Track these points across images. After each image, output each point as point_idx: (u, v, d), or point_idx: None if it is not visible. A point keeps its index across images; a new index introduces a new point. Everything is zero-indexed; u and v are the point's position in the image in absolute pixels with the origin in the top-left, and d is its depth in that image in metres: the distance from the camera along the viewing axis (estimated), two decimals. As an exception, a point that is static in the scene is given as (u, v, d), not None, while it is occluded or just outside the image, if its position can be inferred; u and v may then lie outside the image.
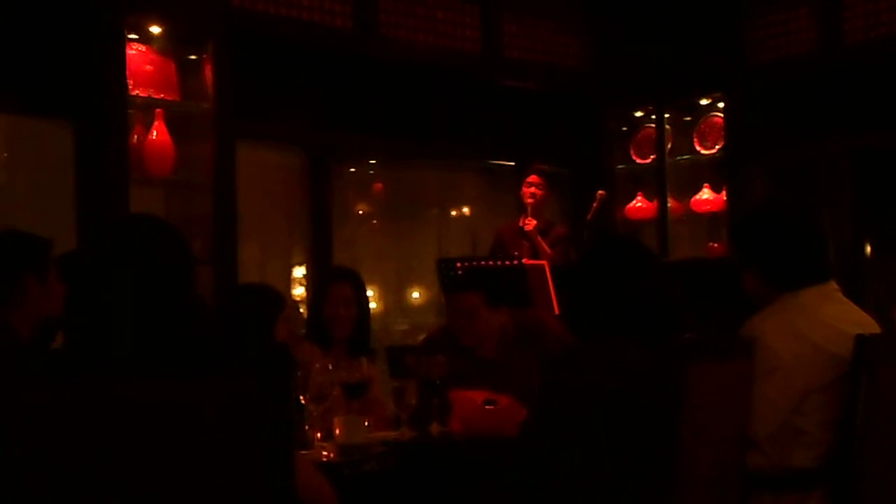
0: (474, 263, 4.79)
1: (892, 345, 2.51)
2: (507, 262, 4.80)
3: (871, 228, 5.84)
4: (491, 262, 4.89)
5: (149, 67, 4.52)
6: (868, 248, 5.86)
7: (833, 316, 2.39)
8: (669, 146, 6.28)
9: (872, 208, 5.81)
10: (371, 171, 6.11)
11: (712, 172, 6.14)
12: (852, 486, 2.28)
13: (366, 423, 2.81)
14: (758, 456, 2.30)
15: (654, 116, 6.33)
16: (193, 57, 4.64)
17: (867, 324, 2.43)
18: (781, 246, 2.43)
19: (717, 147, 6.12)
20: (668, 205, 6.24)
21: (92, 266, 1.78)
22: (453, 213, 6.46)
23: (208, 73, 4.60)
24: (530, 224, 5.37)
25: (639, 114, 6.44)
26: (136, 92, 4.43)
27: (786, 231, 2.44)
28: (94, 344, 1.75)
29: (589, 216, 5.34)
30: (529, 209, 5.41)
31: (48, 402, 1.49)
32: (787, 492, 2.31)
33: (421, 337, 4.90)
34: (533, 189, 5.43)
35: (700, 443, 2.12)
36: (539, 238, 5.35)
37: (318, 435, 2.76)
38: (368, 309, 3.64)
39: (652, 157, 6.33)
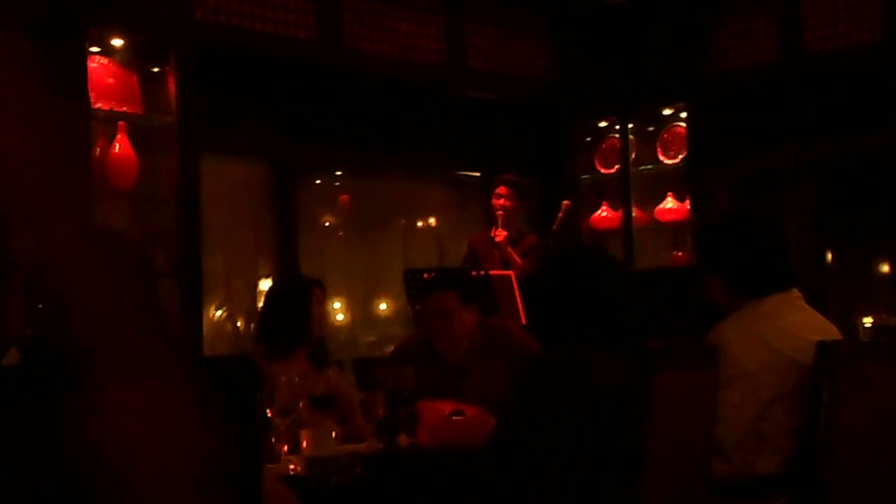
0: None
1: (853, 351, 2.54)
2: (474, 273, 4.81)
3: (832, 236, 5.92)
4: (457, 271, 4.91)
5: (111, 80, 4.49)
6: (829, 256, 5.93)
7: (796, 323, 2.42)
8: (633, 156, 6.33)
9: (833, 216, 5.88)
10: (337, 183, 6.10)
11: (676, 182, 6.19)
12: (816, 492, 2.31)
13: (333, 436, 2.80)
14: (723, 463, 2.32)
15: (617, 127, 6.38)
16: (156, 69, 4.62)
17: (830, 331, 2.46)
18: (745, 254, 2.46)
19: (681, 157, 6.17)
20: (633, 214, 6.28)
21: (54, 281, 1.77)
22: (420, 223, 6.47)
23: (171, 85, 4.58)
24: (500, 236, 5.37)
25: (603, 124, 6.49)
26: (99, 105, 4.40)
27: (750, 239, 2.47)
28: (56, 359, 1.73)
29: (555, 226, 5.36)
30: (500, 221, 5.41)
31: (4, 420, 1.48)
32: (753, 498, 2.33)
33: (388, 349, 4.89)
34: (502, 201, 5.43)
35: (666, 450, 2.13)
36: (510, 249, 5.34)
37: (285, 448, 2.74)
38: None
39: (616, 166, 6.38)
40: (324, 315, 3.65)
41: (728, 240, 2.49)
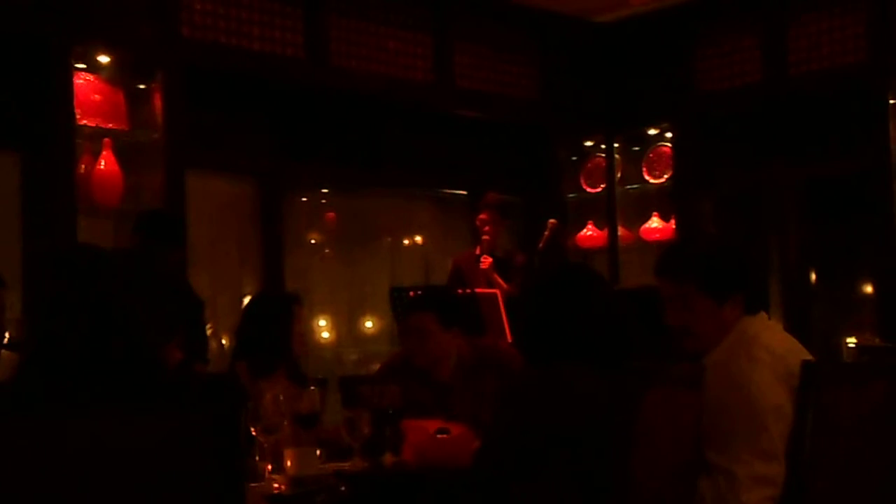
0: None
1: (836, 371, 2.54)
2: (460, 291, 4.80)
3: (816, 257, 5.95)
4: (443, 290, 4.89)
5: (97, 97, 4.49)
6: (813, 276, 5.96)
7: (784, 345, 2.42)
8: (619, 175, 6.36)
9: (818, 237, 5.92)
10: (323, 200, 6.10)
11: (661, 201, 6.22)
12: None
13: (317, 454, 2.79)
14: (712, 483, 2.30)
15: (603, 146, 6.41)
16: (142, 86, 4.62)
17: (804, 351, 2.46)
18: (747, 275, 2.46)
19: (666, 176, 6.20)
20: (619, 233, 6.31)
21: (39, 304, 1.76)
22: (406, 241, 6.47)
23: (158, 102, 4.57)
24: (486, 262, 5.35)
25: (589, 143, 6.52)
26: (84, 121, 4.39)
27: (747, 261, 2.48)
28: (44, 379, 1.72)
29: (541, 245, 5.36)
30: (485, 245, 5.40)
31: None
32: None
33: (374, 366, 4.88)
34: (487, 227, 5.43)
35: (650, 467, 2.13)
36: (495, 276, 5.33)
37: (269, 467, 2.72)
38: None
39: (602, 186, 6.41)
40: (303, 332, 3.63)
41: (735, 261, 2.47)
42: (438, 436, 2.91)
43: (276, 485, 2.62)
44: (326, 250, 6.12)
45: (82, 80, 4.42)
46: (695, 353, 2.42)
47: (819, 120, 5.63)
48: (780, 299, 5.77)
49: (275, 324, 3.55)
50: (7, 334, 2.96)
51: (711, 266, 2.43)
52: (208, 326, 5.31)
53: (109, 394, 1.69)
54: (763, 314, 2.48)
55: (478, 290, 4.92)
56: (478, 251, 5.44)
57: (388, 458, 2.92)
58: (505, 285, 5.26)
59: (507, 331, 4.79)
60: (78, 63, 4.39)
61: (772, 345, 2.39)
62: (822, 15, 5.58)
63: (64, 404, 1.68)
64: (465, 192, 6.31)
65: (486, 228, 5.42)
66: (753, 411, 2.27)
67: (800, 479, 2.30)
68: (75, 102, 4.31)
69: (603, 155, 6.42)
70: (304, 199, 5.96)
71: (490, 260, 5.36)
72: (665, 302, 2.46)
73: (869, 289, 5.90)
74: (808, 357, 2.40)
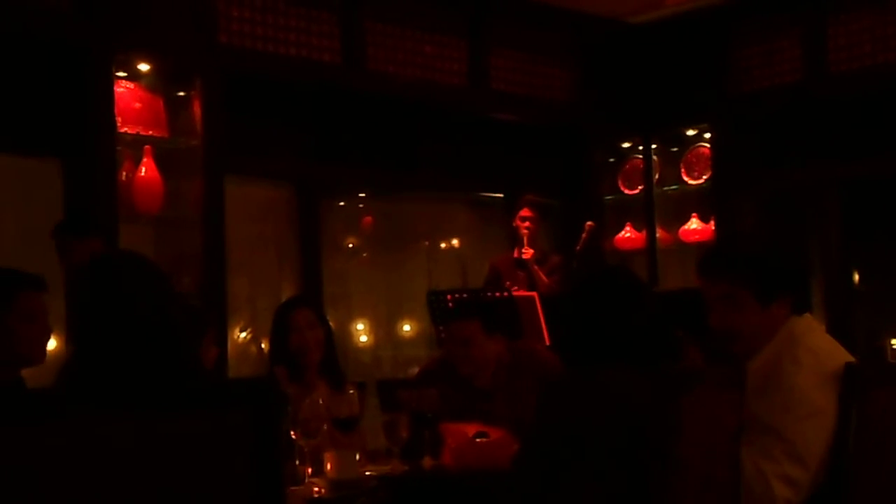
0: (464, 295, 4.80)
1: (881, 373, 2.51)
2: (497, 294, 4.80)
3: (859, 257, 5.87)
4: (481, 294, 4.90)
5: (137, 104, 4.54)
6: (856, 277, 5.88)
7: (830, 348, 2.39)
8: (657, 176, 6.32)
9: (860, 237, 5.84)
10: (360, 205, 6.12)
11: (700, 202, 6.17)
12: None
13: (357, 458, 2.79)
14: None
15: (641, 147, 6.38)
16: (182, 93, 4.66)
17: (845, 353, 2.43)
18: (802, 274, 2.43)
19: (705, 177, 6.15)
20: (657, 235, 6.26)
21: (80, 307, 1.78)
22: (443, 245, 6.47)
23: (196, 109, 4.61)
24: (528, 253, 5.38)
25: (626, 145, 6.49)
26: (125, 129, 4.44)
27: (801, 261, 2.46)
28: (86, 380, 1.74)
29: (578, 247, 5.35)
30: (525, 240, 5.42)
31: (34, 440, 1.48)
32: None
33: (412, 370, 4.89)
34: (527, 223, 5.45)
35: (689, 469, 2.11)
36: (536, 267, 5.36)
37: (309, 470, 2.74)
38: (331, 330, 3.56)
39: (640, 187, 6.37)
40: (312, 337, 3.47)
41: (783, 261, 2.44)
42: (477, 440, 2.91)
43: (316, 488, 2.64)
44: (364, 254, 6.14)
45: (123, 87, 4.47)
46: (741, 356, 2.39)
47: (861, 119, 5.55)
48: (822, 301, 5.70)
49: (276, 330, 3.52)
50: (51, 338, 3.00)
51: (760, 267, 2.38)
52: (249, 330, 5.36)
53: (152, 396, 1.71)
54: (808, 315, 2.45)
55: (515, 292, 4.92)
56: (515, 254, 5.45)
57: (426, 462, 2.93)
58: (546, 280, 5.28)
59: (545, 333, 4.78)
60: (119, 71, 4.44)
61: (816, 346, 2.36)
62: (862, 13, 5.51)
63: (106, 407, 1.70)
64: (501, 196, 6.30)
65: (527, 223, 5.43)
66: (794, 416, 2.24)
67: (842, 483, 2.28)
68: (116, 110, 4.36)
69: (640, 156, 6.38)
70: (342, 203, 5.98)
71: (532, 252, 5.38)
72: (710, 304, 2.42)
73: (913, 289, 5.81)
74: (851, 359, 2.37)
